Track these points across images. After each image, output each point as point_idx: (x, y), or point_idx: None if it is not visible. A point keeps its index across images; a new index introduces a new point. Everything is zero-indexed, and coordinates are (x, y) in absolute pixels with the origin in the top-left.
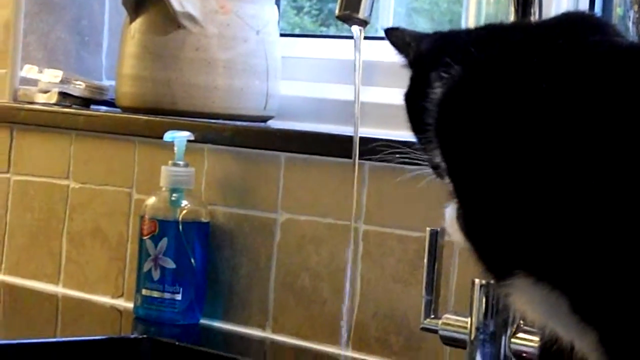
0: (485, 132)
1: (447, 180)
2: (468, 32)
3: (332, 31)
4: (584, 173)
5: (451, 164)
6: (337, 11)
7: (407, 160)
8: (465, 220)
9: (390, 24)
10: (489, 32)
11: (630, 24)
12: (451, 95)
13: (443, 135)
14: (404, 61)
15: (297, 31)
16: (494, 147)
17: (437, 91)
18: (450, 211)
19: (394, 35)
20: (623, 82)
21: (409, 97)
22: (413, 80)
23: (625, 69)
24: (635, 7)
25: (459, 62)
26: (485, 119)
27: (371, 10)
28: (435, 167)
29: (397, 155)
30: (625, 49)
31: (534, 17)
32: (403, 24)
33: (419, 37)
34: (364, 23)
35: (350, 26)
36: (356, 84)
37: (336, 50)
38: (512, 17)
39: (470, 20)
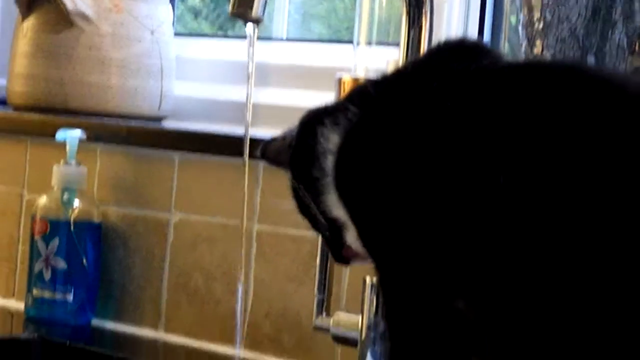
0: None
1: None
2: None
3: (227, 33)
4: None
5: (359, 204)
6: (229, 9)
7: None
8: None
9: (285, 31)
10: (377, 81)
11: (520, 28)
12: (358, 131)
13: (347, 180)
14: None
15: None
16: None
17: (333, 138)
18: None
19: (269, 148)
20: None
21: (295, 170)
22: (296, 150)
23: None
24: (525, 11)
25: (355, 105)
26: (401, 150)
27: (264, 10)
28: (331, 233)
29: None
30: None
31: (426, 22)
32: (299, 30)
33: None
34: (256, 21)
35: (245, 24)
36: (249, 74)
37: (230, 51)
38: (404, 22)
39: (363, 26)
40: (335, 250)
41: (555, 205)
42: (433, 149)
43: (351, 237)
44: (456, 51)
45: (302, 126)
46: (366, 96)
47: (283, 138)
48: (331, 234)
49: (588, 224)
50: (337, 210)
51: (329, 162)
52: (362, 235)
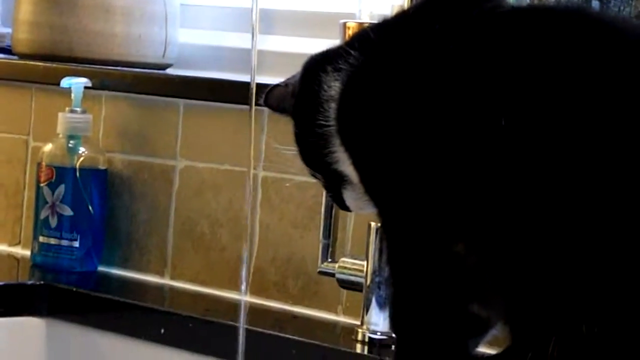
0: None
1: (351, 190)
2: (356, 35)
3: None
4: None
5: (363, 151)
6: None
7: None
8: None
9: None
10: (378, 24)
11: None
12: (360, 76)
13: (349, 125)
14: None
15: None
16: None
17: (335, 85)
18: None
19: (273, 94)
20: (527, 38)
21: (298, 118)
22: (299, 98)
23: (526, 26)
24: None
25: (356, 50)
26: (402, 91)
27: None
28: (334, 184)
29: None
30: (521, 10)
31: None
32: None
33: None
34: None
35: None
36: (254, 21)
37: None
38: None
39: None
40: (338, 199)
41: (555, 148)
42: (434, 91)
43: (349, 194)
44: None
45: (304, 73)
46: (367, 41)
47: (286, 85)
48: (333, 185)
49: (587, 167)
50: (341, 162)
51: (332, 109)
52: (364, 180)
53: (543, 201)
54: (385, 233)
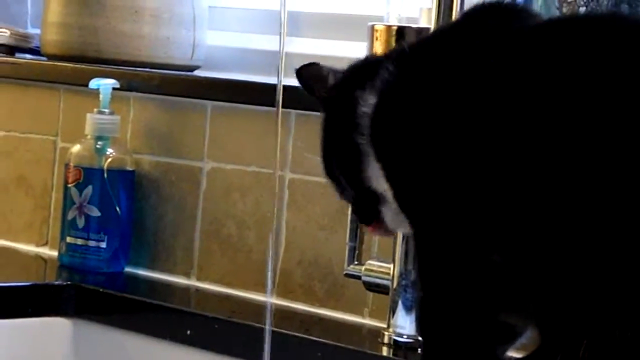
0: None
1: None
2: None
3: None
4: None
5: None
6: None
7: None
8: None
9: None
10: (414, 43)
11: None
12: (397, 91)
13: (384, 138)
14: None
15: None
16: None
17: (370, 102)
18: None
19: (308, 70)
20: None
21: (327, 129)
22: (331, 109)
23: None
24: None
25: (393, 65)
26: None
27: None
28: (363, 200)
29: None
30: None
31: None
32: None
33: (336, 70)
34: None
35: None
36: (282, 23)
37: (263, 0)
38: None
39: None
40: (364, 216)
41: (598, 163)
42: (474, 106)
43: (387, 212)
44: (493, 12)
45: (340, 84)
46: (403, 55)
47: (323, 68)
48: (367, 204)
49: (624, 179)
50: (374, 178)
51: (366, 124)
52: (398, 195)
53: (576, 209)
54: (417, 243)
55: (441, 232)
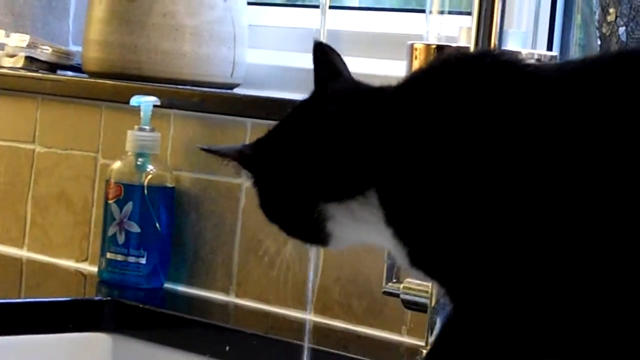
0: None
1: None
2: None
3: (299, 1)
4: None
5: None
6: None
7: None
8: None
9: None
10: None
11: (595, 26)
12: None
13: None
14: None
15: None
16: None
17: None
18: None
19: (322, 50)
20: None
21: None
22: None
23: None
24: (599, 10)
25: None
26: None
27: None
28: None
29: None
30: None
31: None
32: None
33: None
34: None
35: None
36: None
37: (302, 19)
38: None
39: None
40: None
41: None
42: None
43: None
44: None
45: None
46: (383, 108)
47: (339, 61)
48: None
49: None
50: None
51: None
52: (412, 254)
53: (609, 253)
54: (453, 298)
55: (477, 290)
